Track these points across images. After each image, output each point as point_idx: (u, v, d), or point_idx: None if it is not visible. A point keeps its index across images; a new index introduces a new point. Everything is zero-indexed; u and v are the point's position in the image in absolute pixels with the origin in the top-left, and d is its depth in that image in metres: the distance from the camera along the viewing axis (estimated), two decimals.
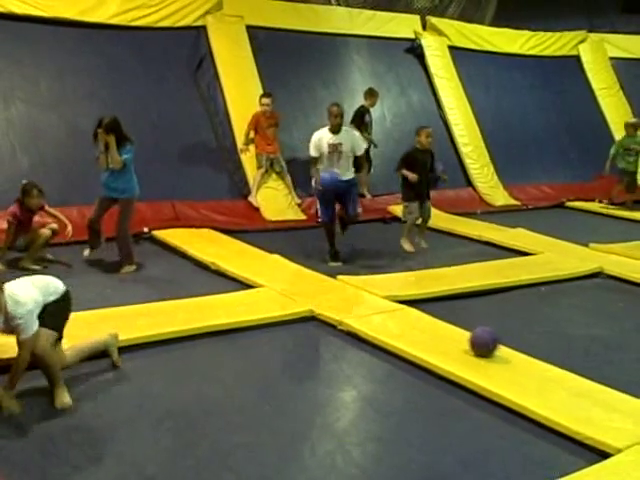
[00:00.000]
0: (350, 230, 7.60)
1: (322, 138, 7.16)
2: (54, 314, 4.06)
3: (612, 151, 11.12)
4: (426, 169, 7.39)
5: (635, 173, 11.20)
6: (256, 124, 9.15)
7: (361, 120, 9.75)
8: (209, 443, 3.75)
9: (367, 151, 9.79)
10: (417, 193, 7.38)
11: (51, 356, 4.03)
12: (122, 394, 4.27)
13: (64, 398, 4.02)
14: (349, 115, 9.81)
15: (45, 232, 6.50)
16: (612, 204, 10.87)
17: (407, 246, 7.37)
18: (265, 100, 9.13)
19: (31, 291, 3.93)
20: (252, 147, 9.24)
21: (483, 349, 4.77)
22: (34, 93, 8.35)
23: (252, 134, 9.20)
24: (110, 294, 5.92)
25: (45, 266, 6.51)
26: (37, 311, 3.91)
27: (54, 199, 7.56)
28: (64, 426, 3.85)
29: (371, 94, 10.00)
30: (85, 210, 7.57)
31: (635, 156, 11.06)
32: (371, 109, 10.00)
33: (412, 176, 7.22)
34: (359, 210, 7.46)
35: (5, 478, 3.31)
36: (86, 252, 6.78)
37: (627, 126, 11.33)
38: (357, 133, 7.56)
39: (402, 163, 7.36)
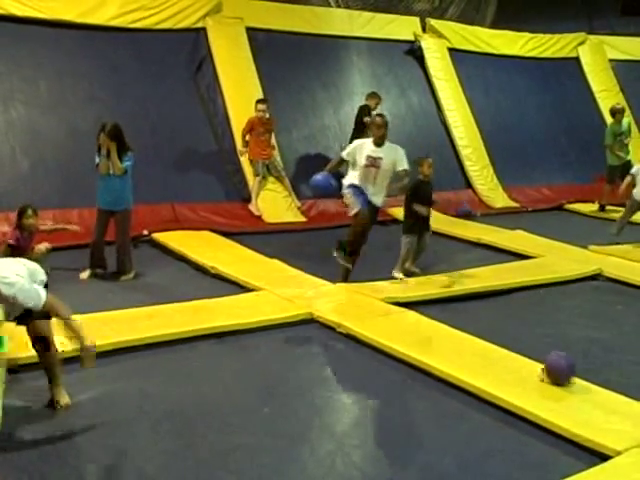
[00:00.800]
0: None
1: (363, 147, 6.50)
2: None
3: (609, 141, 10.77)
4: (429, 200, 7.15)
5: (630, 161, 10.78)
6: (251, 129, 9.14)
7: (367, 116, 9.61)
8: (208, 444, 3.75)
9: None
10: (419, 226, 7.05)
11: (55, 345, 4.05)
12: (122, 395, 4.27)
13: (64, 398, 4.04)
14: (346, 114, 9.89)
15: (39, 249, 6.27)
16: (603, 209, 10.60)
17: (397, 274, 6.89)
18: (260, 106, 9.11)
19: (19, 268, 3.87)
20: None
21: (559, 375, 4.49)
22: (34, 95, 8.35)
23: (248, 137, 9.19)
24: (110, 298, 5.93)
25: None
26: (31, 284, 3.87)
27: (54, 201, 7.60)
28: (63, 427, 3.85)
29: (372, 97, 9.98)
30: (85, 212, 7.60)
31: (625, 145, 10.83)
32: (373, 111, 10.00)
33: (423, 209, 6.85)
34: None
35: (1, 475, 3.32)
36: (85, 274, 6.46)
37: (617, 112, 10.92)
38: (401, 149, 6.65)
39: (413, 197, 6.94)
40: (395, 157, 6.49)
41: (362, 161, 6.42)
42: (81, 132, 8.07)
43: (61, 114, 8.43)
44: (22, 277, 3.81)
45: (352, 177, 6.51)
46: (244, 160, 9.22)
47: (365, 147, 6.47)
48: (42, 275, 4.10)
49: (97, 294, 6.05)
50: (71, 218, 7.63)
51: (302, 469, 3.62)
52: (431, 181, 7.20)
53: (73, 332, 3.91)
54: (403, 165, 6.50)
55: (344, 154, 6.63)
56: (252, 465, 3.58)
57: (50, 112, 8.38)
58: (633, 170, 8.73)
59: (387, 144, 6.53)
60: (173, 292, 6.08)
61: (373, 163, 6.41)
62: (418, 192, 7.00)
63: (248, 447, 3.74)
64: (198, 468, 3.52)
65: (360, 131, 9.42)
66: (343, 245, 6.49)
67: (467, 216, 10.01)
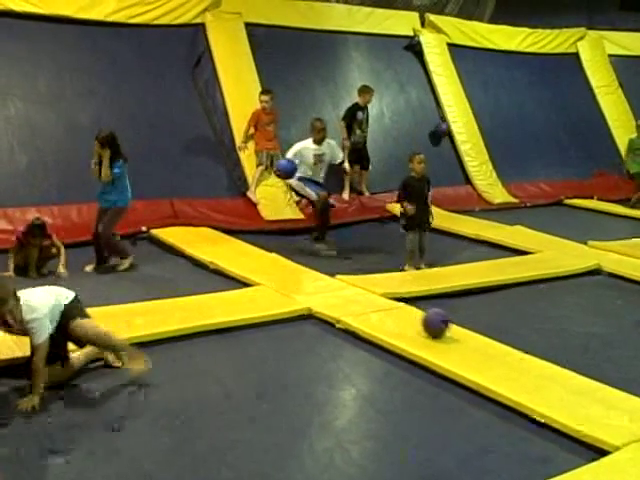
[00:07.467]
0: (349, 229, 7.62)
1: (308, 147, 7.80)
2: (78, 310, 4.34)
3: (624, 153, 11.17)
4: (423, 197, 7.09)
5: None
6: (256, 121, 9.15)
7: (352, 118, 9.76)
8: (207, 440, 3.75)
9: (364, 148, 9.83)
10: (416, 223, 7.05)
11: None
12: (120, 392, 4.27)
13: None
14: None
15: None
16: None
17: (407, 268, 7.00)
18: (264, 97, 9.12)
19: (44, 298, 4.14)
20: (251, 144, 9.23)
21: (434, 329, 5.06)
22: (32, 91, 8.32)
23: (251, 131, 9.19)
24: (108, 293, 5.92)
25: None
26: (49, 318, 4.09)
27: (53, 197, 7.61)
28: (61, 422, 3.86)
29: (364, 91, 9.95)
30: (84, 208, 7.60)
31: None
32: (369, 105, 9.98)
33: (410, 208, 6.95)
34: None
35: (1, 474, 3.31)
36: (89, 267, 6.64)
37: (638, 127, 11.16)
38: (333, 142, 8.22)
39: (402, 195, 7.05)
40: (332, 151, 7.99)
41: (310, 159, 7.79)
42: (80, 127, 8.05)
43: (60, 109, 8.40)
44: (47, 308, 4.09)
45: (300, 172, 7.78)
46: (243, 155, 9.20)
47: (309, 147, 7.82)
48: (65, 293, 4.35)
49: (95, 289, 6.03)
50: (70, 214, 7.65)
51: (301, 465, 3.62)
52: (424, 177, 7.15)
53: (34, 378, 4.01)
54: (339, 157, 8.16)
55: (290, 155, 7.79)
56: (251, 461, 3.58)
57: (49, 107, 8.35)
58: None
59: (325, 142, 7.91)
60: (171, 288, 6.09)
61: (319, 160, 7.83)
62: (407, 189, 7.03)
63: (247, 443, 3.74)
64: (197, 464, 3.52)
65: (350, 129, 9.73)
66: (318, 235, 7.72)
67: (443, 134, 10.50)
